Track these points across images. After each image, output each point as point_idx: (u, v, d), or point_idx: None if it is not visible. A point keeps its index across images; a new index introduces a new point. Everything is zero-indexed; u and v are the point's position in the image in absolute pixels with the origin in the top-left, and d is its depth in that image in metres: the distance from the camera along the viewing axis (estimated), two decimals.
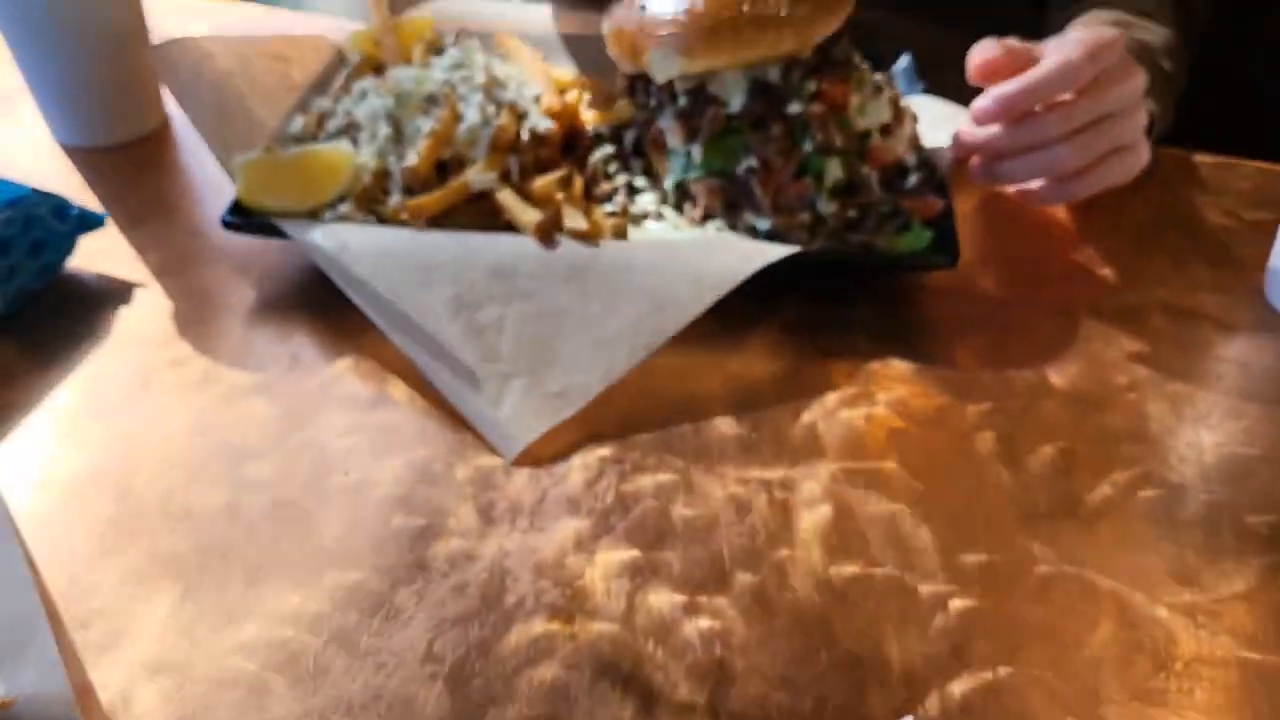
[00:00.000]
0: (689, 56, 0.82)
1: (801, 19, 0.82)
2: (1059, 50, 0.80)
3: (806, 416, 0.73)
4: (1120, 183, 0.84)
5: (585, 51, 1.08)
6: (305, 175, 0.83)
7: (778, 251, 0.78)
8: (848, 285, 0.85)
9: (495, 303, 0.76)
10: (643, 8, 0.85)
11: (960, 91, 1.29)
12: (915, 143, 0.91)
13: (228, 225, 0.82)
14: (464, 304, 0.76)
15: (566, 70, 1.02)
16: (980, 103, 0.80)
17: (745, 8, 0.81)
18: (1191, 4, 1.14)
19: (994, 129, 0.84)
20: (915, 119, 0.92)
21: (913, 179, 0.87)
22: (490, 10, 1.11)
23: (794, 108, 0.84)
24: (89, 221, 0.83)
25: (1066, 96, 0.81)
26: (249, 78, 0.93)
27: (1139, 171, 0.84)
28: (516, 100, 0.90)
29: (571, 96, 0.95)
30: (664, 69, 0.84)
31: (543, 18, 1.10)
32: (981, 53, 0.82)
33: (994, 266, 0.88)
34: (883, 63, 1.06)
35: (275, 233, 0.81)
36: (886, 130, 0.89)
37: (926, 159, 0.90)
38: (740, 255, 0.78)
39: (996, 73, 0.81)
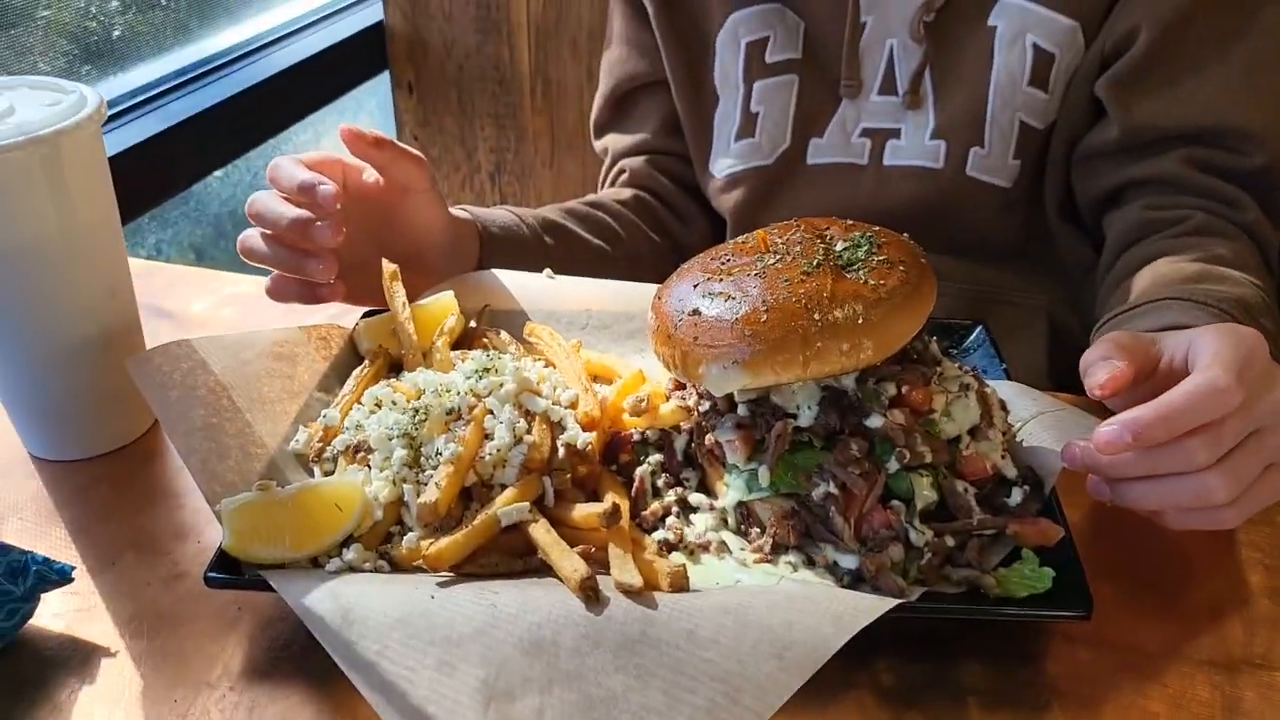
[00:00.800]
0: (753, 373, 0.70)
1: (879, 324, 0.71)
2: (1195, 363, 0.68)
3: None
4: (1273, 501, 0.71)
5: (624, 328, 0.98)
6: (306, 517, 0.70)
7: (871, 609, 0.64)
8: (950, 630, 0.71)
9: (532, 690, 0.62)
10: (696, 311, 0.74)
11: (1013, 321, 1.19)
12: (1010, 444, 0.79)
13: (211, 583, 0.69)
14: (495, 692, 0.61)
15: (604, 356, 0.92)
16: (1109, 432, 0.66)
17: (816, 315, 0.70)
18: (1265, 235, 1.05)
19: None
20: (1005, 410, 0.80)
21: (1016, 495, 0.74)
22: (517, 285, 1.01)
23: (874, 421, 0.72)
24: (51, 579, 0.70)
25: None
26: (249, 389, 0.82)
27: None
28: (550, 410, 0.79)
29: (612, 392, 0.84)
30: (723, 385, 0.72)
31: (577, 292, 1.00)
32: (1105, 367, 0.70)
33: (1124, 599, 0.73)
34: (952, 337, 0.96)
35: (268, 587, 0.68)
36: (976, 432, 0.77)
37: (1027, 467, 0.77)
38: (828, 616, 0.64)
39: (1122, 389, 0.69)
